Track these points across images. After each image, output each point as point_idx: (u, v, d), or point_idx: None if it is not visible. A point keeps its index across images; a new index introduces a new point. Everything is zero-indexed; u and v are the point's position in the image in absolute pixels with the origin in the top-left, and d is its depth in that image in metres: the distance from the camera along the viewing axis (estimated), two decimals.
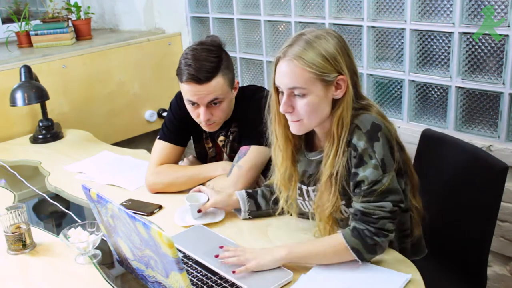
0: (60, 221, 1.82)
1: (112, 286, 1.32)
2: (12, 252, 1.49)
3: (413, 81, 2.17)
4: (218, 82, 1.62)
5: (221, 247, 1.38)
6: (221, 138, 1.83)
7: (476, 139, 2.00)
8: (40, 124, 2.48)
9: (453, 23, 1.97)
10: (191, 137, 1.92)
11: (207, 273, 1.31)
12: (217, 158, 1.89)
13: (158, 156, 1.83)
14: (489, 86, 1.95)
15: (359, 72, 2.13)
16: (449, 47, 2.02)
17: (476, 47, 1.96)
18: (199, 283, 1.28)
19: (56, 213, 1.82)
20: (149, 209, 1.69)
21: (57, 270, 1.42)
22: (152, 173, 1.81)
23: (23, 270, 1.43)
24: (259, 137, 1.57)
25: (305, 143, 1.46)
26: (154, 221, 1.55)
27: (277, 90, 1.36)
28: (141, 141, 3.10)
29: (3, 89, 2.46)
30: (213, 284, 1.27)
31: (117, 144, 2.59)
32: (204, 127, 1.73)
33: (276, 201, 1.52)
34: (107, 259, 1.46)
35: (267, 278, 1.27)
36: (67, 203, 1.85)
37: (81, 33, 3.05)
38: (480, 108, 2.01)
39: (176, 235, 1.50)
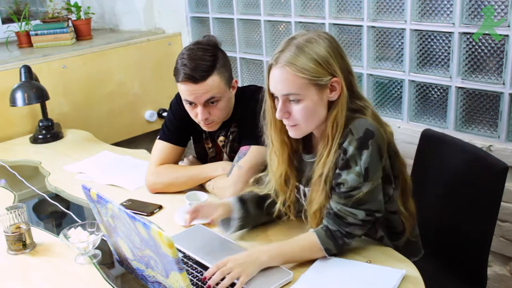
0: (60, 221, 1.82)
1: (112, 286, 1.32)
2: (12, 252, 1.49)
3: (413, 81, 2.17)
4: (214, 81, 1.62)
5: (204, 278, 1.28)
6: (221, 138, 1.83)
7: (476, 139, 2.00)
8: (40, 124, 2.48)
9: (453, 23, 1.97)
10: (191, 137, 1.92)
11: (207, 281, 1.30)
12: (217, 158, 1.89)
13: (158, 156, 1.83)
14: (489, 86, 1.95)
15: (359, 72, 2.11)
16: (449, 47, 2.02)
17: (476, 47, 1.96)
18: (199, 283, 1.28)
19: (56, 213, 1.82)
20: (149, 209, 1.69)
21: (57, 270, 1.42)
22: (152, 173, 1.81)
23: (23, 270, 1.43)
24: (259, 137, 1.57)
25: (303, 145, 1.47)
26: (154, 221, 1.55)
27: (272, 95, 1.36)
28: (141, 141, 3.10)
29: (3, 89, 2.46)
30: (213, 284, 1.27)
31: (117, 144, 2.59)
32: (203, 126, 1.73)
33: (269, 207, 1.51)
34: (107, 259, 1.46)
35: (267, 278, 1.27)
36: (67, 203, 1.85)
37: (81, 33, 3.05)
38: (480, 108, 2.01)
39: (176, 235, 1.50)
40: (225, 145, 1.83)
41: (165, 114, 3.04)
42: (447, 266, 1.62)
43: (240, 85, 1.79)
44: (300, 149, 1.47)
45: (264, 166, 1.71)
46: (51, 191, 1.95)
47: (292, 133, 1.37)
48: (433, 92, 2.14)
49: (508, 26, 1.83)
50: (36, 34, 2.87)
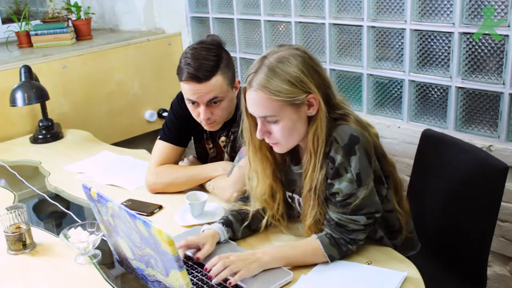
0: (60, 221, 1.82)
1: (112, 286, 1.32)
2: (12, 252, 1.49)
3: (413, 81, 2.17)
4: (217, 81, 1.62)
5: (206, 269, 1.30)
6: (223, 138, 1.83)
7: (476, 139, 2.00)
8: (40, 124, 2.48)
9: (453, 23, 1.97)
10: (192, 137, 1.92)
11: (207, 273, 1.31)
12: (218, 158, 1.89)
13: (158, 156, 1.83)
14: (489, 86, 1.95)
15: (359, 72, 2.11)
16: (449, 47, 2.02)
17: (476, 47, 1.96)
18: (199, 283, 1.28)
19: (56, 213, 1.82)
20: (149, 209, 1.69)
21: (57, 270, 1.42)
22: (152, 173, 1.81)
23: (23, 270, 1.43)
24: None
25: (292, 156, 1.46)
26: (154, 221, 1.55)
27: (250, 115, 1.35)
28: (141, 141, 3.10)
29: (3, 89, 2.46)
30: (214, 284, 1.27)
31: (117, 144, 2.59)
32: (204, 126, 1.73)
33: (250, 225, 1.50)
34: (107, 259, 1.46)
35: (267, 278, 1.27)
36: (67, 203, 1.85)
37: (81, 33, 3.05)
38: (480, 108, 2.01)
39: (176, 235, 1.50)
40: (227, 145, 1.83)
41: (165, 114, 3.04)
42: (447, 266, 1.62)
43: (241, 85, 1.79)
44: (288, 160, 1.47)
45: None
46: (51, 191, 1.95)
47: (276, 149, 1.38)
48: (433, 92, 2.14)
49: (508, 26, 1.83)
50: (36, 34, 2.88)
